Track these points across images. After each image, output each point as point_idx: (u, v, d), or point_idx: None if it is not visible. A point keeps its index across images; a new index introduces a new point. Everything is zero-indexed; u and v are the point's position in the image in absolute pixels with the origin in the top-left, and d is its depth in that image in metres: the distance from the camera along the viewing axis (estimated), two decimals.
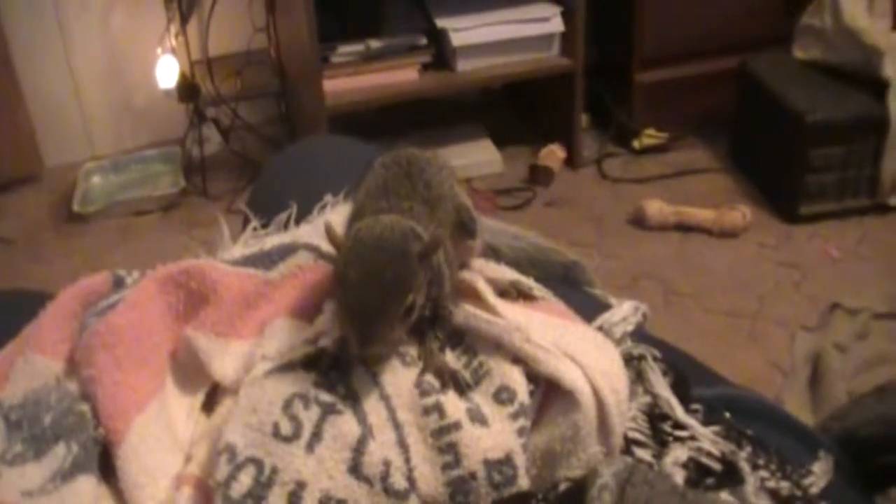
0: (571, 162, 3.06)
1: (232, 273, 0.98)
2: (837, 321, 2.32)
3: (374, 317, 0.81)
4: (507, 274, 1.00)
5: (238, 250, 1.08)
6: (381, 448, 0.80)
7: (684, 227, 2.74)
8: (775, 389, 2.15)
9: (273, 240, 1.07)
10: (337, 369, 0.85)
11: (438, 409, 0.82)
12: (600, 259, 2.65)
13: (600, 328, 0.98)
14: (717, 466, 0.87)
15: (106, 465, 0.85)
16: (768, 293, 2.50)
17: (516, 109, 3.39)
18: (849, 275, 2.54)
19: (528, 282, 1.00)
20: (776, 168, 2.82)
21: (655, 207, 2.75)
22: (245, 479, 0.79)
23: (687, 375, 0.96)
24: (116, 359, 0.89)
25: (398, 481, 0.79)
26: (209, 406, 0.92)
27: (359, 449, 0.80)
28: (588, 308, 1.00)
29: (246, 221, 1.20)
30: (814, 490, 0.90)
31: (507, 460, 0.81)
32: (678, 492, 0.69)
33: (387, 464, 0.80)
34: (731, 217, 2.70)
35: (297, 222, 1.15)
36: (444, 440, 0.81)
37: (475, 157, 3.05)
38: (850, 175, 2.70)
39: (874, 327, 2.29)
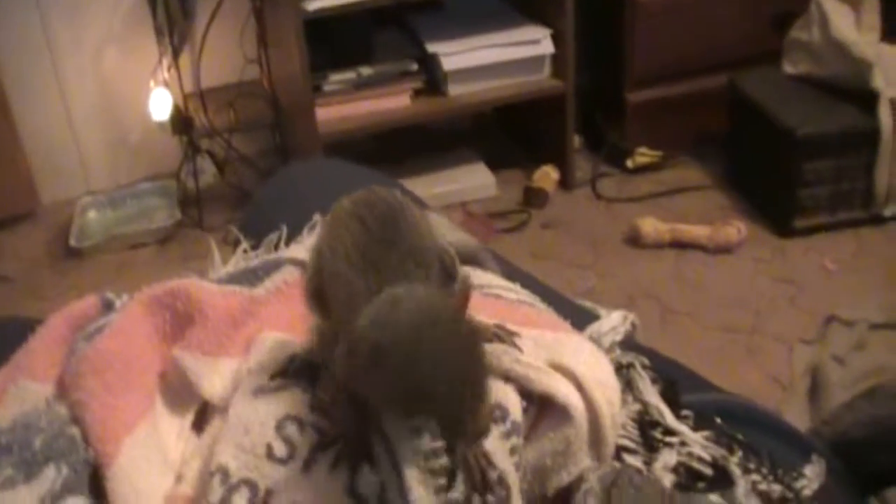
0: (565, 183, 3.07)
1: (217, 292, 0.98)
2: (834, 333, 2.32)
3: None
4: (489, 279, 1.00)
5: (225, 270, 1.08)
6: (376, 469, 0.80)
7: (679, 245, 2.75)
8: (775, 403, 2.15)
9: (260, 258, 1.07)
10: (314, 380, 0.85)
11: (430, 430, 0.82)
12: (597, 279, 2.65)
13: (589, 338, 0.98)
14: (707, 471, 0.87)
15: (97, 488, 0.84)
16: (765, 308, 2.50)
17: (509, 132, 3.40)
18: (844, 287, 2.54)
19: (514, 286, 1.00)
20: (769, 183, 2.82)
21: (650, 226, 2.75)
22: (239, 502, 0.78)
23: (676, 382, 0.96)
24: (105, 382, 0.89)
25: (394, 500, 0.79)
26: (199, 425, 0.92)
27: (355, 469, 0.79)
28: (576, 318, 1.00)
29: (237, 244, 1.20)
30: (806, 493, 0.89)
31: (500, 481, 0.80)
32: (665, 494, 0.69)
33: (382, 485, 0.79)
34: (725, 233, 2.71)
35: (287, 243, 1.16)
36: (435, 462, 0.80)
37: (469, 182, 3.06)
38: (843, 187, 2.70)
39: (871, 338, 2.29)
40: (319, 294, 0.82)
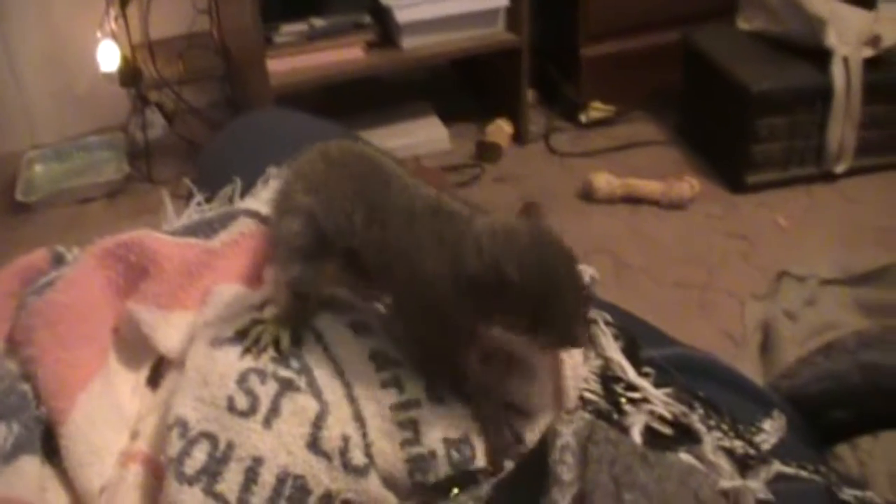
0: (519, 137, 3.05)
1: (172, 243, 0.96)
2: (786, 289, 2.33)
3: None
4: None
5: (179, 223, 1.06)
6: (339, 423, 0.79)
7: (633, 200, 2.75)
8: (727, 358, 2.13)
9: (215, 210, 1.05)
10: (276, 347, 0.84)
11: (397, 383, 0.81)
12: None
13: None
14: (667, 431, 0.86)
15: (50, 446, 0.83)
16: (717, 263, 2.51)
17: (463, 86, 3.37)
18: (796, 243, 2.56)
19: None
20: (723, 139, 2.83)
21: (603, 180, 2.75)
22: (199, 455, 0.77)
23: (637, 338, 0.96)
24: (57, 336, 0.87)
25: (356, 457, 0.77)
26: (154, 380, 0.90)
27: (317, 424, 0.78)
28: None
29: (190, 197, 1.18)
30: (765, 447, 0.90)
31: (465, 439, 0.80)
32: (638, 452, 0.68)
33: (345, 439, 0.78)
34: (678, 188, 2.71)
35: (242, 196, 1.14)
36: (403, 415, 0.79)
37: (423, 135, 3.04)
38: (795, 144, 2.71)
39: (822, 293, 2.31)
40: (312, 250, 0.82)
